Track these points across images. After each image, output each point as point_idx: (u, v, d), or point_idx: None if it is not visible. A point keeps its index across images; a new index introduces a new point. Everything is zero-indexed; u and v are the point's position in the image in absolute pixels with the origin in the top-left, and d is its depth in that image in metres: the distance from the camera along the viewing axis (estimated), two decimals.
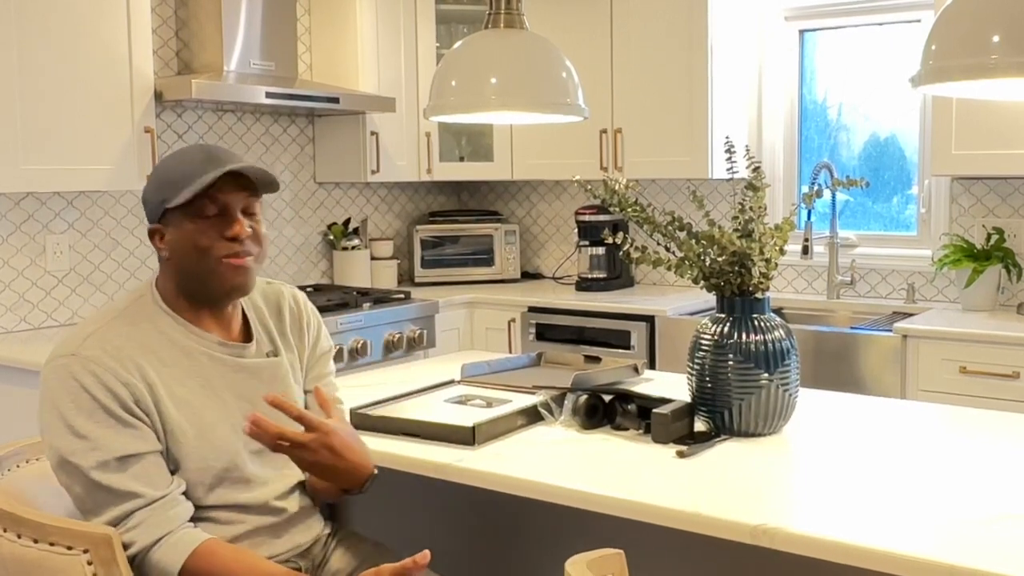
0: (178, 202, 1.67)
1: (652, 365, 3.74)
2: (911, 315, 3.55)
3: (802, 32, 4.18)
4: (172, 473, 1.66)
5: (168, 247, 1.72)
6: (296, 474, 1.82)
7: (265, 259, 1.80)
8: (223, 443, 1.72)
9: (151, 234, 1.74)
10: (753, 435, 1.97)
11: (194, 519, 1.66)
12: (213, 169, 1.67)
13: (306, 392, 1.91)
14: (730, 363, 1.95)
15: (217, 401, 1.73)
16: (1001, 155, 3.33)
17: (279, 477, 1.80)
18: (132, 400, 1.62)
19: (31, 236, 3.44)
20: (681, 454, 1.85)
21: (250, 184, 1.73)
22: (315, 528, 1.88)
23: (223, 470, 1.71)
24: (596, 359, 2.55)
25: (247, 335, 1.82)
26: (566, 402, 2.08)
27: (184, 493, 1.67)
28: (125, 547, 1.57)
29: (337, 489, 1.80)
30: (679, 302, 3.92)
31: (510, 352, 4.07)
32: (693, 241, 2.02)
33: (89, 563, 1.51)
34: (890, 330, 3.35)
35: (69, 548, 1.52)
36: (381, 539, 1.99)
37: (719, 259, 1.99)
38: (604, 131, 4.20)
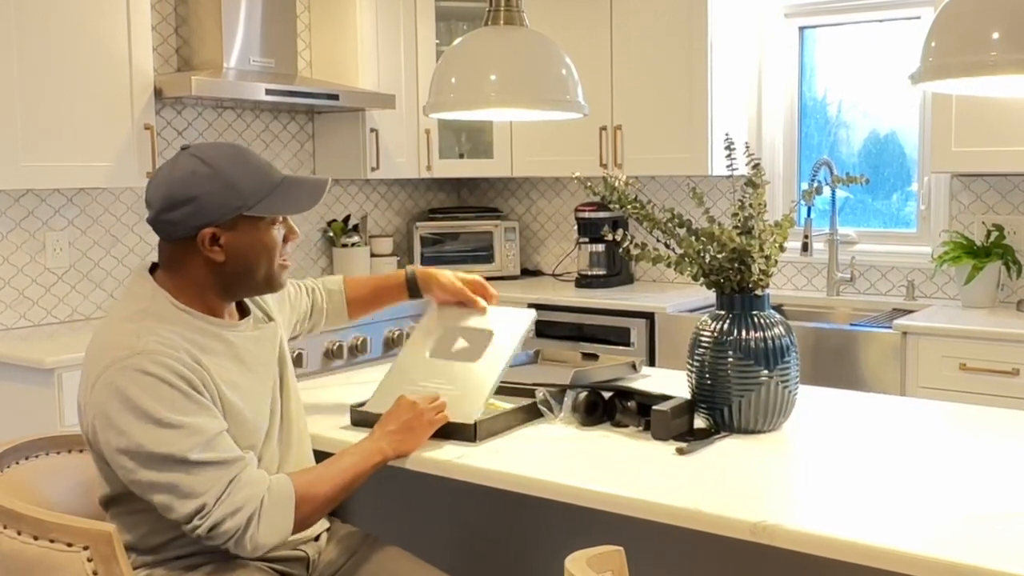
0: (263, 212, 1.72)
1: (652, 362, 3.74)
2: (911, 312, 3.55)
3: (802, 29, 4.17)
4: None
5: (226, 251, 1.72)
6: (308, 459, 1.89)
7: None
8: (263, 419, 1.78)
9: (202, 237, 1.69)
10: (753, 432, 1.97)
11: None
12: (280, 176, 1.75)
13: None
14: (730, 360, 1.95)
15: (252, 376, 1.77)
16: (1001, 152, 3.32)
17: (289, 463, 1.84)
18: (201, 384, 1.65)
19: (31, 233, 3.44)
20: (681, 451, 1.85)
21: None
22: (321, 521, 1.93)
23: (259, 446, 1.77)
24: (594, 356, 2.54)
25: (243, 311, 1.88)
26: (566, 399, 2.08)
27: None
28: (233, 513, 1.59)
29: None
30: (679, 299, 3.92)
31: None
32: (693, 238, 2.02)
33: (89, 560, 1.51)
34: (890, 327, 3.35)
35: (69, 545, 1.52)
36: (382, 536, 2.00)
37: (719, 256, 1.99)
38: (604, 128, 4.20)
